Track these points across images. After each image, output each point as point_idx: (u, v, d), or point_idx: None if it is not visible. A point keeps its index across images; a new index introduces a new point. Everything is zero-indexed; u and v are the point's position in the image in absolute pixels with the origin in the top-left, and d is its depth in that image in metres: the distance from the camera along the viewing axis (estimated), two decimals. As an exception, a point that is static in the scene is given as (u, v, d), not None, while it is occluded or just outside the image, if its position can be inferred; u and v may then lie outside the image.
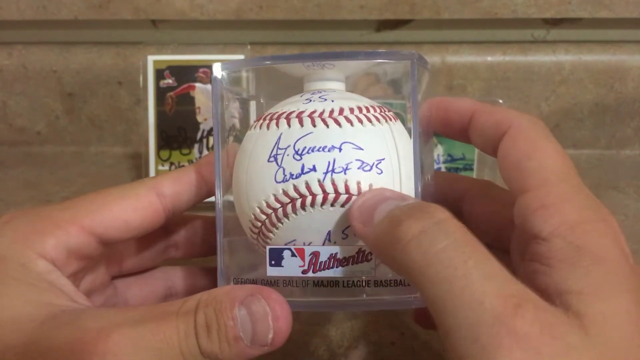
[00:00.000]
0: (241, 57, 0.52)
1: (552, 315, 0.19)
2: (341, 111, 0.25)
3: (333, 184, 0.24)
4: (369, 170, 0.25)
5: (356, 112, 0.26)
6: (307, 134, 0.25)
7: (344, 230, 0.25)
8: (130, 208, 0.27)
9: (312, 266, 0.25)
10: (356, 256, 0.25)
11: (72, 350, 0.22)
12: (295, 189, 0.25)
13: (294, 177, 0.25)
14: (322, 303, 0.26)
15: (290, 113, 0.26)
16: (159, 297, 0.32)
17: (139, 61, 0.53)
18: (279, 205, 0.25)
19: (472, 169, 0.49)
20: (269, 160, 0.25)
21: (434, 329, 0.31)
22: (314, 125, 0.25)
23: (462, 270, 0.19)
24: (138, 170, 0.55)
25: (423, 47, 0.56)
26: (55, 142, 0.60)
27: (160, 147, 0.51)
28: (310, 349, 0.34)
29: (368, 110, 0.26)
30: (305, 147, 0.25)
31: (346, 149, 0.24)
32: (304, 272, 0.25)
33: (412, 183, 0.25)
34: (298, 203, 0.25)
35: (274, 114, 0.26)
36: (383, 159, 0.25)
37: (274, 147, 0.25)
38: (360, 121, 0.25)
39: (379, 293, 0.25)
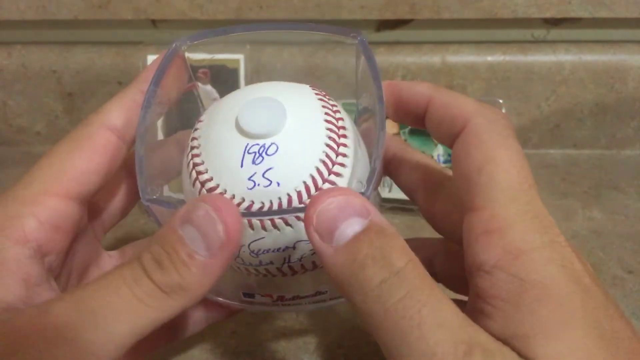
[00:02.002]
0: (241, 56, 0.52)
1: None
2: (289, 203, 0.24)
3: (290, 268, 0.26)
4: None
5: (304, 195, 0.24)
6: (260, 238, 0.24)
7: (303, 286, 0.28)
8: (91, 154, 0.25)
9: (280, 301, 0.29)
10: (315, 294, 0.28)
11: (8, 342, 0.20)
12: (256, 270, 0.26)
13: (253, 265, 0.26)
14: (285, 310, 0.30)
15: (239, 204, 0.24)
16: None
17: (139, 61, 0.53)
18: (243, 270, 0.27)
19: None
20: None
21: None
22: (265, 230, 0.24)
23: (417, 319, 0.18)
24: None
25: (423, 47, 0.56)
26: (55, 142, 0.59)
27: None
28: (310, 349, 0.34)
29: (321, 175, 0.24)
30: (260, 249, 0.24)
31: (300, 245, 0.25)
32: (273, 302, 0.29)
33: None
34: (260, 274, 0.27)
35: (219, 194, 0.24)
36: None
37: None
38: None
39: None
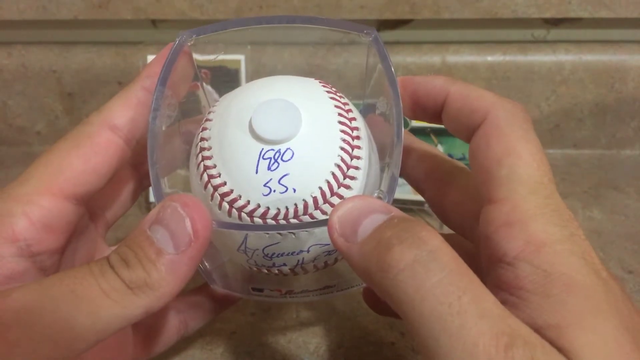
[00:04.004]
0: (242, 56, 0.52)
1: (543, 353, 0.18)
2: (305, 208, 0.24)
3: (303, 269, 0.26)
4: (335, 251, 0.25)
5: (320, 200, 0.24)
6: (275, 243, 0.24)
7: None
8: (89, 154, 0.25)
9: (288, 295, 0.29)
10: (324, 287, 0.29)
11: None
12: (268, 270, 0.26)
13: (266, 267, 0.26)
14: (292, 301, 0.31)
15: (254, 210, 0.24)
16: None
17: (139, 61, 0.53)
18: (254, 269, 0.27)
19: (472, 169, 0.49)
20: (238, 250, 0.25)
21: (384, 314, 0.33)
22: (281, 235, 0.24)
23: (457, 307, 0.18)
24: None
25: (423, 47, 0.56)
26: (55, 142, 0.60)
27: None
28: (310, 349, 0.34)
29: (336, 179, 0.24)
30: (275, 252, 0.24)
31: (314, 249, 0.25)
32: (281, 295, 0.29)
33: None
34: (272, 275, 0.27)
35: (233, 199, 0.24)
36: None
37: (242, 243, 0.24)
38: (325, 213, 0.24)
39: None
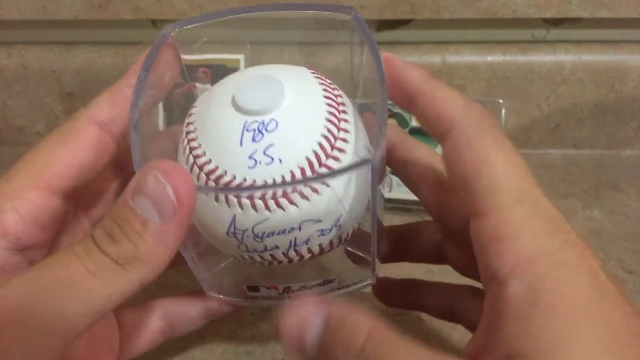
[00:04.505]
0: (241, 56, 0.52)
1: None
2: (293, 178, 0.23)
3: (297, 252, 0.25)
4: (329, 232, 0.25)
5: (308, 171, 0.23)
6: (264, 220, 0.23)
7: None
8: (76, 149, 0.25)
9: (286, 293, 0.28)
10: (322, 282, 0.28)
11: None
12: (261, 257, 0.25)
13: (258, 251, 0.25)
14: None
15: (239, 187, 0.23)
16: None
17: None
18: (247, 258, 0.26)
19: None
20: (227, 234, 0.24)
21: (394, 306, 0.34)
22: (269, 210, 0.23)
23: None
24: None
25: (423, 47, 0.56)
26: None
27: (160, 147, 0.51)
28: (310, 349, 0.34)
29: (324, 150, 0.24)
30: (265, 232, 0.24)
31: (306, 226, 0.24)
32: (279, 294, 0.28)
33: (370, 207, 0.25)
34: (265, 263, 0.26)
35: (218, 176, 0.24)
36: (341, 216, 0.25)
37: (230, 225, 0.24)
38: (315, 191, 0.23)
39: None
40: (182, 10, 0.54)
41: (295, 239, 0.24)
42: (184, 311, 0.31)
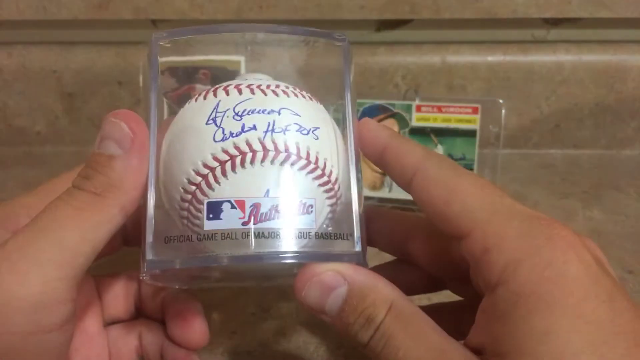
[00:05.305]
0: (242, 58, 0.51)
1: None
2: (277, 86, 0.26)
3: (273, 142, 0.25)
4: (307, 134, 0.25)
5: (291, 89, 0.26)
6: (247, 99, 0.25)
7: (282, 188, 0.25)
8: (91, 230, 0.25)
9: (253, 217, 0.24)
10: (297, 208, 0.25)
11: None
12: (235, 146, 0.24)
13: (234, 135, 0.25)
14: (263, 255, 0.24)
15: (228, 85, 0.26)
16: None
17: (139, 61, 0.53)
18: (216, 164, 0.24)
19: (472, 169, 0.49)
20: (207, 123, 0.25)
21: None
22: (253, 93, 0.25)
23: (401, 354, 0.21)
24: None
25: (423, 47, 0.56)
26: (55, 142, 0.60)
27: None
28: (310, 349, 0.34)
29: (302, 91, 0.27)
30: (245, 109, 0.25)
31: (284, 113, 0.25)
32: (244, 223, 0.24)
33: (348, 167, 0.26)
34: (237, 160, 0.24)
35: (210, 88, 0.27)
36: (318, 128, 0.26)
37: (212, 111, 0.25)
38: (296, 95, 0.26)
39: (320, 246, 0.25)
40: (182, 10, 0.54)
41: (274, 122, 0.25)
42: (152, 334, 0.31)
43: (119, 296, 0.31)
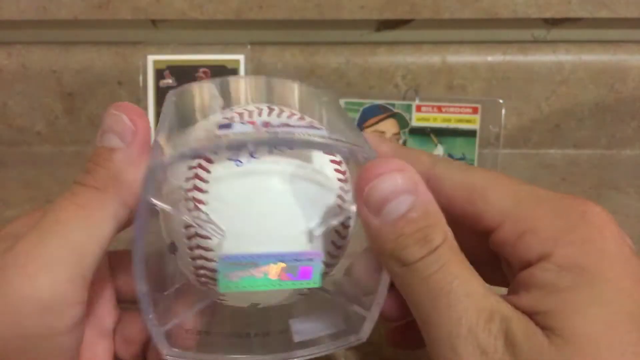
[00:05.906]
0: (241, 56, 0.52)
1: (518, 324, 0.20)
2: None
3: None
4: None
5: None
6: None
7: None
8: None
9: (266, 129, 0.23)
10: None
11: None
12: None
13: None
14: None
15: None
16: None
17: (139, 61, 0.53)
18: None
19: (472, 169, 0.49)
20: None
21: (407, 348, 0.31)
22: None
23: (448, 289, 0.21)
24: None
25: (423, 47, 0.56)
26: (55, 142, 0.60)
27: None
28: (310, 349, 0.34)
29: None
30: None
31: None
32: (257, 132, 0.22)
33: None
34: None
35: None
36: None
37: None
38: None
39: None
40: (182, 10, 0.54)
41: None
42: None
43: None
